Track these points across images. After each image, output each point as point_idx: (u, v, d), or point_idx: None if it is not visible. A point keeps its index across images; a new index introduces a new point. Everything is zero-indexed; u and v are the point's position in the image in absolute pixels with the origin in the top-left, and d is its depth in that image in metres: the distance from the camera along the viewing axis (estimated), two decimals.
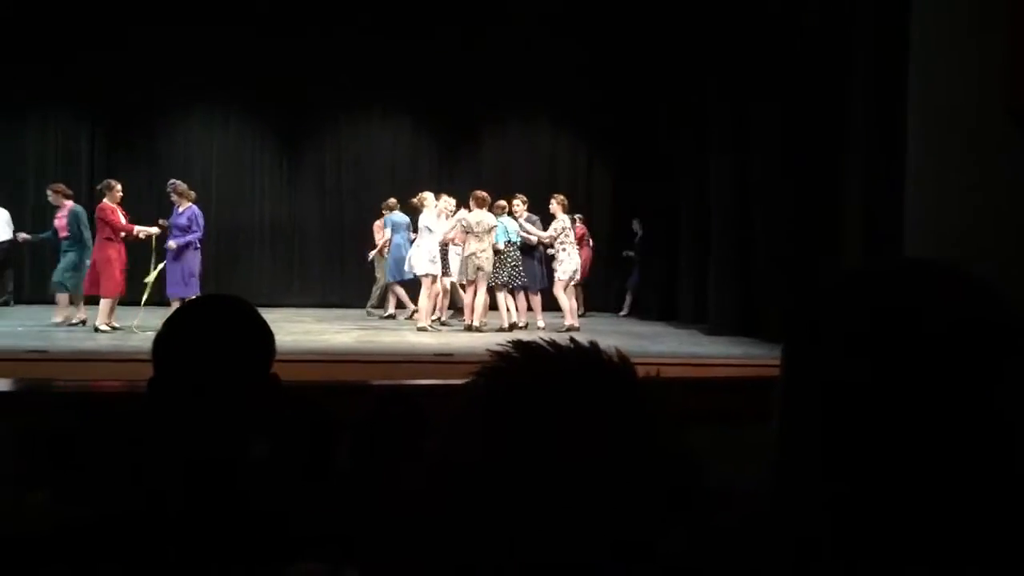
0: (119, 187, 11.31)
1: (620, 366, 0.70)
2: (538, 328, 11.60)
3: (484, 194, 11.87)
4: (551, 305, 12.36)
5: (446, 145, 16.18)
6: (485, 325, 11.56)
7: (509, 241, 11.84)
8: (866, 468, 0.82)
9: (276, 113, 15.74)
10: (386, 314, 13.28)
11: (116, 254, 11.04)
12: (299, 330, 11.30)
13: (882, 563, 0.76)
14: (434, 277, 11.81)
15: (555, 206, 12.28)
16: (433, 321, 11.91)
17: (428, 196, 12.15)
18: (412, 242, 12.53)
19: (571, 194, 14.63)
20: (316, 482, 2.42)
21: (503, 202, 12.19)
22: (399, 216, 13.05)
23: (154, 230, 11.53)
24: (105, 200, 11.14)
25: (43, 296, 14.75)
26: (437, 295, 12.07)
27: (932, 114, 4.71)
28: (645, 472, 0.65)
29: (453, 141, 16.10)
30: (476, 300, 11.62)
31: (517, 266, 11.86)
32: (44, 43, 14.40)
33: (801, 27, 10.23)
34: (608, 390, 0.67)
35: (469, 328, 11.53)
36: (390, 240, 12.96)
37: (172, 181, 11.85)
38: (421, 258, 11.85)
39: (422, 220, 12.01)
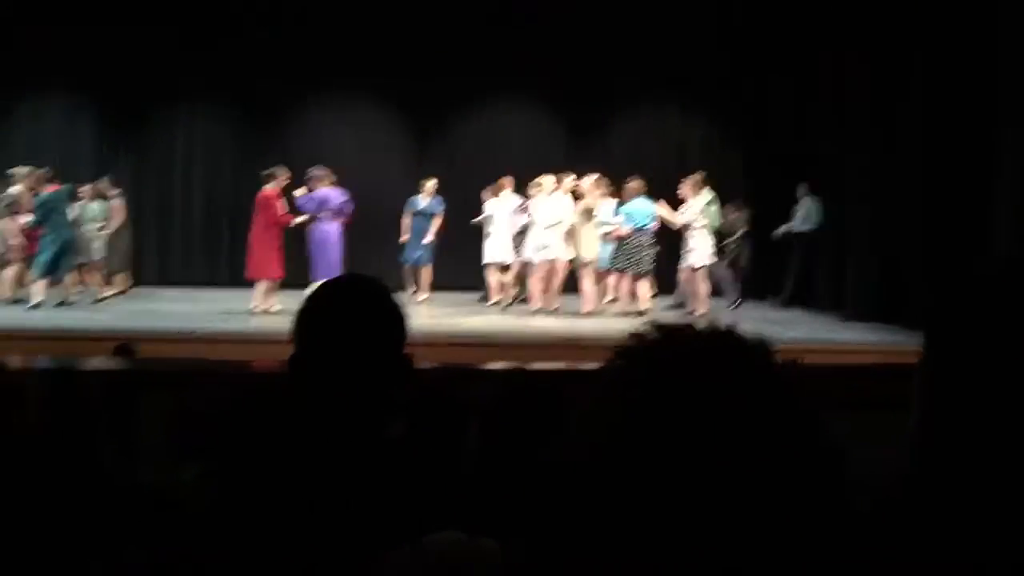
0: (285, 174, 11.66)
1: (760, 349, 0.69)
2: (641, 313, 11.34)
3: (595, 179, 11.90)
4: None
5: (575, 127, 16.14)
6: (605, 311, 11.58)
7: (637, 227, 11.68)
8: (1013, 459, 0.79)
9: (406, 98, 15.97)
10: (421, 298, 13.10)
11: (275, 239, 11.44)
12: (427, 313, 11.49)
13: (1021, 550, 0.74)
14: (550, 261, 11.75)
15: (688, 187, 11.96)
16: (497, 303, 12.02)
17: (546, 180, 12.09)
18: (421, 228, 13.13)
19: (702, 176, 14.42)
20: (448, 463, 2.47)
21: (636, 183, 11.99)
22: (422, 200, 13.32)
23: (305, 218, 11.93)
24: (269, 187, 11.51)
25: (166, 279, 15.43)
26: (555, 277, 11.97)
27: None
28: (788, 457, 0.64)
29: (582, 123, 16.04)
30: (586, 286, 11.74)
31: (647, 250, 11.70)
32: (190, 41, 15.03)
33: None
34: (749, 373, 0.67)
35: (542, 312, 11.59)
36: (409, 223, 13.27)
37: (310, 171, 12.29)
38: (531, 243, 11.87)
39: (533, 205, 12.00)
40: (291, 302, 10.48)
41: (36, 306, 11.18)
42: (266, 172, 11.77)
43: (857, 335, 9.85)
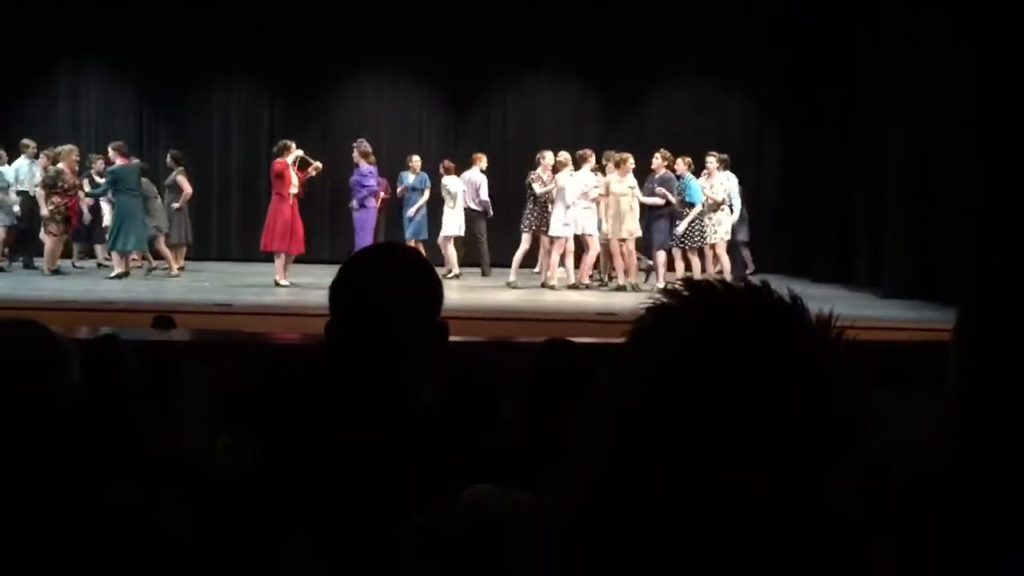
0: (294, 146, 11.78)
1: (794, 304, 0.69)
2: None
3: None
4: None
5: (611, 104, 16.05)
6: (636, 286, 11.54)
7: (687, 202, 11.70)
8: None
9: (443, 76, 15.99)
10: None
11: (289, 211, 11.53)
12: (462, 286, 11.51)
13: None
14: (567, 238, 11.77)
15: (714, 164, 11.99)
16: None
17: (564, 156, 12.05)
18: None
19: (740, 152, 14.30)
20: (482, 432, 2.48)
21: (689, 158, 12.06)
22: (410, 175, 13.36)
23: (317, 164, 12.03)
24: (280, 159, 11.63)
25: (204, 253, 15.54)
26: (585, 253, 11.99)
27: None
28: (819, 408, 0.64)
29: (619, 99, 15.95)
30: (629, 260, 11.73)
31: (697, 226, 11.71)
32: (229, 16, 15.10)
33: None
34: (782, 325, 0.67)
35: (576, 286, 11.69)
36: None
37: (359, 140, 12.32)
38: (556, 220, 11.87)
39: (559, 182, 11.96)
40: (322, 275, 10.51)
41: (116, 277, 11.55)
42: (276, 147, 11.89)
43: (895, 312, 9.75)
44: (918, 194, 11.09)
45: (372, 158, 12.28)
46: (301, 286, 10.98)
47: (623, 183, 11.74)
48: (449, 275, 12.58)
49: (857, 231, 12.90)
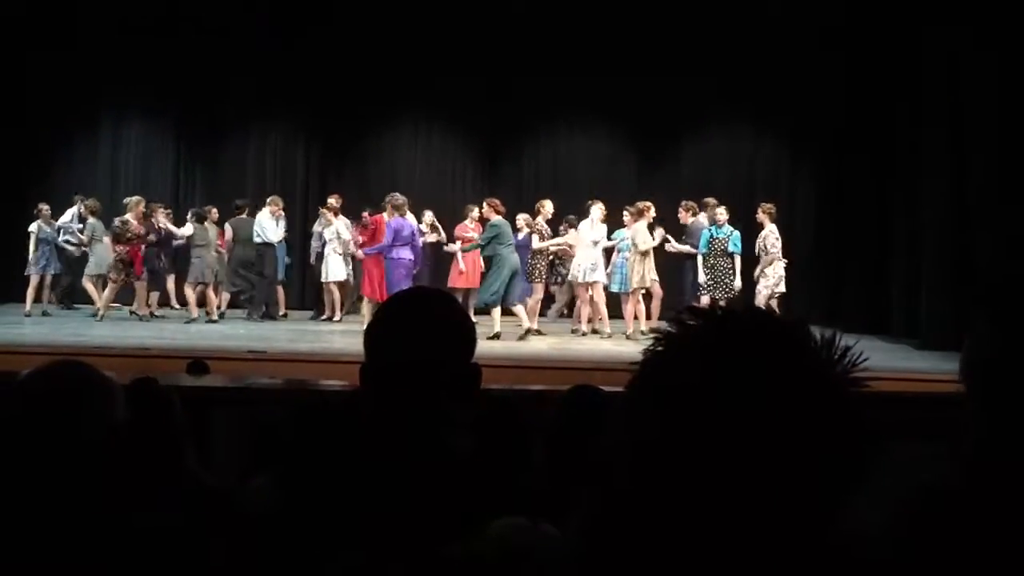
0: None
1: (795, 326, 0.71)
2: None
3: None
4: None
5: (645, 152, 16.11)
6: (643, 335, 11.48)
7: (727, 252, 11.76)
8: None
9: (477, 126, 16.14)
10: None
11: (375, 263, 11.94)
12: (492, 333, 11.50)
13: None
14: (593, 284, 11.86)
15: (763, 215, 11.91)
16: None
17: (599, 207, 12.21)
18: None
19: (773, 201, 14.29)
20: (514, 475, 2.48)
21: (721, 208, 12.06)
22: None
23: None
24: (381, 213, 12.24)
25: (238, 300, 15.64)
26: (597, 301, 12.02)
27: None
28: (822, 431, 0.65)
29: (652, 148, 16.01)
30: (633, 308, 11.77)
31: (726, 277, 11.70)
32: (267, 66, 15.39)
33: None
34: (782, 347, 0.68)
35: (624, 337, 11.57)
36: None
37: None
38: (580, 266, 11.91)
39: (581, 228, 12.08)
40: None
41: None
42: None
43: (932, 364, 9.62)
44: (957, 243, 10.99)
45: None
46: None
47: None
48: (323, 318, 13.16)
49: (893, 280, 12.77)
